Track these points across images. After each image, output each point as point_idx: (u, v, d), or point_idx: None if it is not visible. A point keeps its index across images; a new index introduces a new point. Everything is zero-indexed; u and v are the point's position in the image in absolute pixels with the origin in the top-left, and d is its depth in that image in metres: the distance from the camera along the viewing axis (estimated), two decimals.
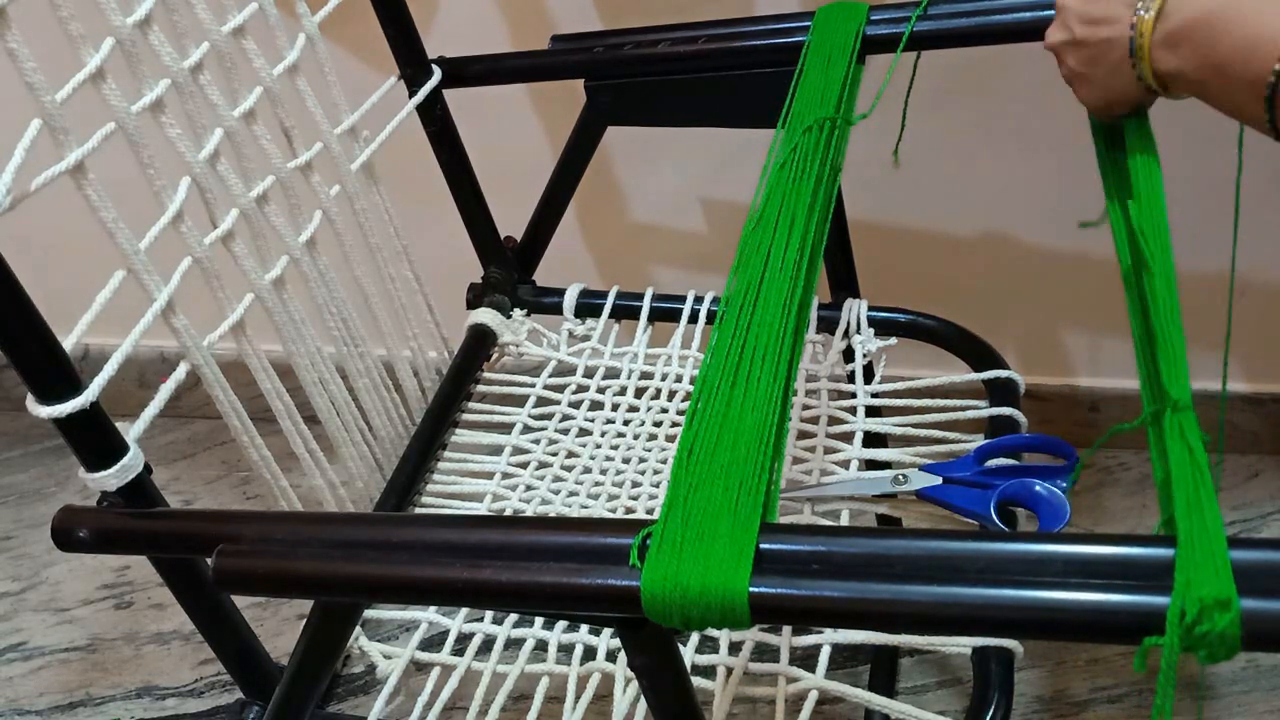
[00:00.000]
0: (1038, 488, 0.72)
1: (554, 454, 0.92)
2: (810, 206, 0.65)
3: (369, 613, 0.83)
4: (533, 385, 0.97)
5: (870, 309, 0.94)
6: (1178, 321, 0.53)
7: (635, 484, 0.89)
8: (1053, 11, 0.79)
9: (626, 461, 0.91)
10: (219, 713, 1.22)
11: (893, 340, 0.93)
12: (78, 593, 1.35)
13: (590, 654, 0.77)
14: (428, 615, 0.83)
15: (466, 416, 0.96)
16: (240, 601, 0.76)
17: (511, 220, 1.01)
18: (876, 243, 1.11)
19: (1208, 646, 0.42)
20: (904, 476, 0.76)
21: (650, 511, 0.86)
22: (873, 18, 0.82)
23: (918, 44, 0.81)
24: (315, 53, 0.81)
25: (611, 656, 0.77)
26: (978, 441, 0.81)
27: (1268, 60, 0.53)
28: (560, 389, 0.97)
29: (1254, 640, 0.42)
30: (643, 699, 0.72)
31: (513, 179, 1.02)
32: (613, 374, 0.98)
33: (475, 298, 1.02)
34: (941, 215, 1.21)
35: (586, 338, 1.00)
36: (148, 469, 0.65)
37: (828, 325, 0.95)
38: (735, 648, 0.76)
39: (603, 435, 0.93)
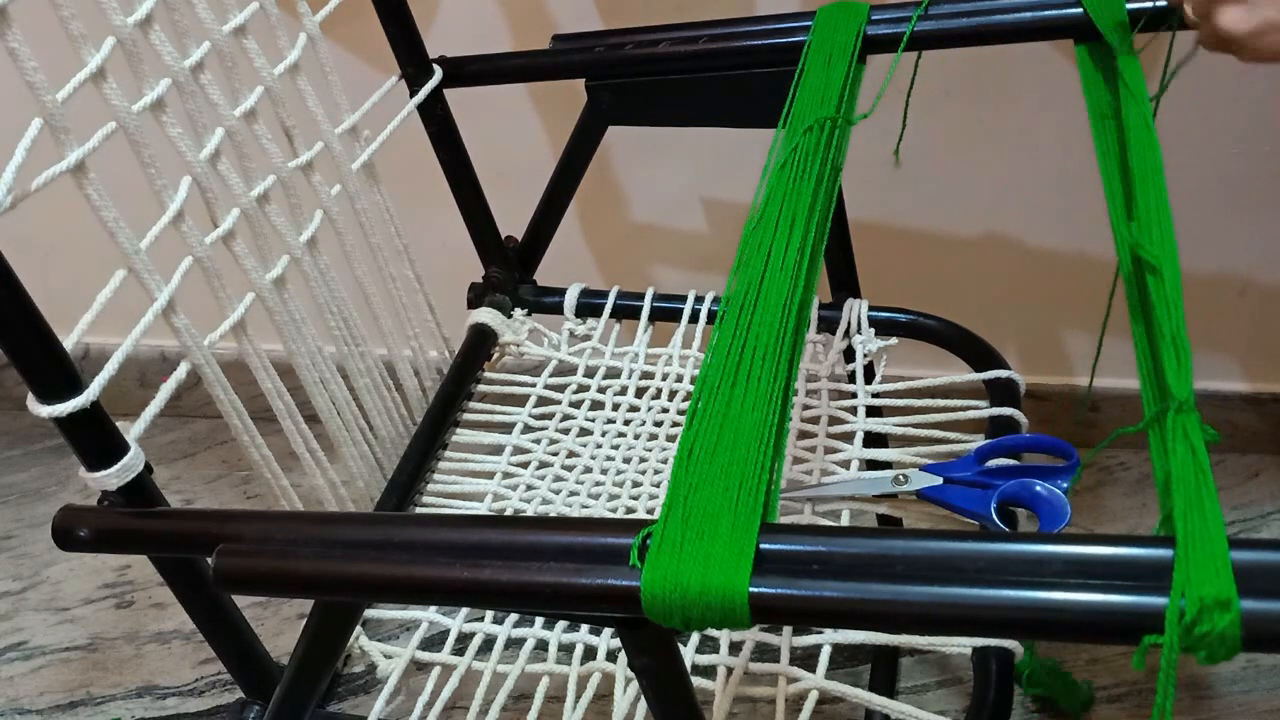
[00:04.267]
0: (1038, 488, 0.71)
1: (555, 454, 0.92)
2: (811, 206, 0.65)
3: (369, 612, 0.83)
4: (533, 385, 0.97)
5: (871, 309, 0.94)
6: (1183, 323, 0.53)
7: (635, 484, 0.89)
8: (1052, 12, 0.79)
9: (627, 461, 0.91)
10: (219, 712, 1.22)
11: (893, 340, 0.93)
12: (78, 592, 1.35)
13: (590, 654, 0.77)
14: (428, 615, 0.83)
15: (467, 416, 0.96)
16: (240, 601, 0.76)
17: (512, 220, 1.01)
18: (877, 243, 1.11)
19: (1208, 647, 0.42)
20: (904, 476, 0.76)
21: (650, 511, 0.86)
22: (873, 17, 0.82)
23: (918, 44, 0.81)
24: (316, 52, 0.81)
25: (611, 656, 0.77)
26: (978, 441, 0.81)
27: None
28: (561, 389, 0.97)
29: (1254, 641, 0.42)
30: (643, 699, 0.72)
31: (513, 179, 1.02)
32: (613, 374, 0.98)
33: (476, 297, 1.02)
34: (942, 215, 1.21)
35: (587, 337, 1.00)
36: (148, 468, 0.65)
37: (828, 325, 0.95)
38: (735, 648, 0.76)
39: (603, 435, 0.93)
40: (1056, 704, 1.12)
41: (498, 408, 0.96)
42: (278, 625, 1.28)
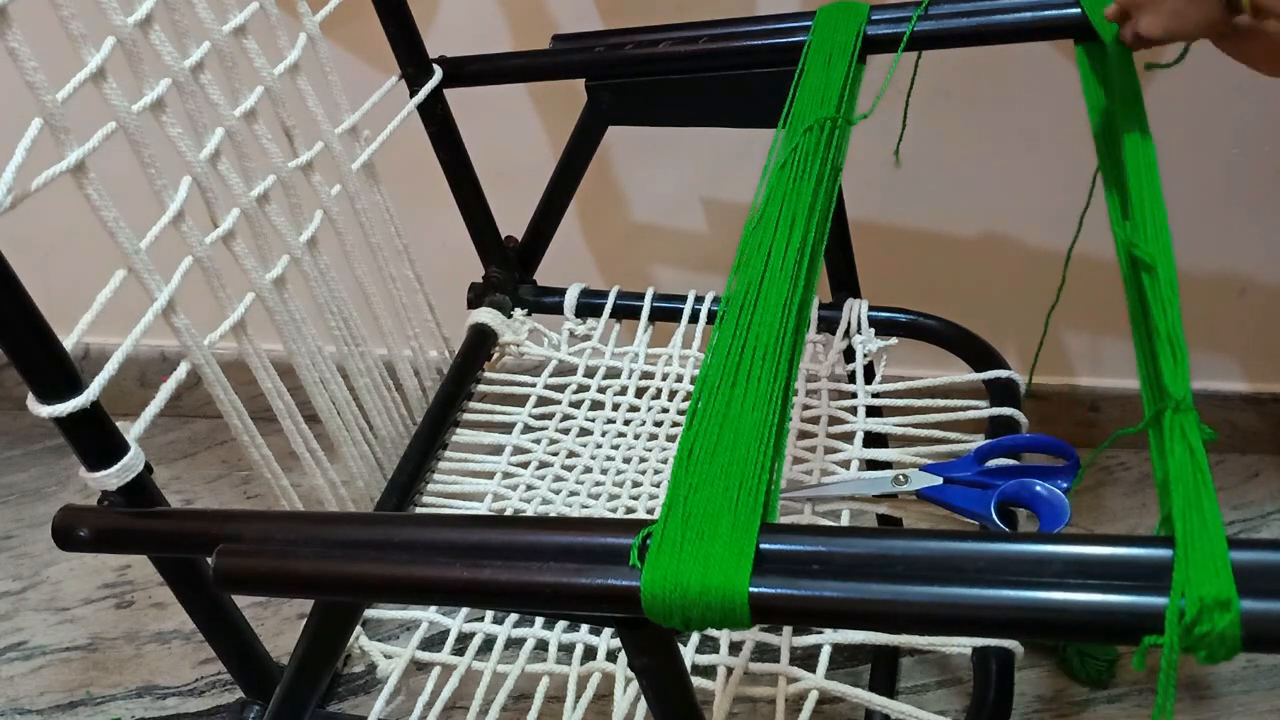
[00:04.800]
0: (1038, 488, 0.72)
1: (555, 454, 0.92)
2: (811, 206, 0.65)
3: (369, 612, 0.83)
4: (533, 385, 0.97)
5: (871, 309, 0.94)
6: (1178, 321, 0.53)
7: (635, 484, 0.89)
8: (1052, 12, 0.79)
9: (627, 461, 0.91)
10: (219, 712, 1.22)
11: (893, 340, 0.93)
12: (78, 592, 1.35)
13: (590, 654, 0.77)
14: (428, 615, 0.83)
15: (467, 416, 0.96)
16: (240, 601, 0.76)
17: (512, 220, 1.02)
18: (877, 243, 1.11)
19: (1208, 647, 0.42)
20: (904, 476, 0.76)
21: (650, 511, 0.86)
22: (873, 17, 0.82)
23: (918, 44, 0.81)
24: (316, 52, 0.81)
25: (611, 656, 0.77)
26: (978, 441, 0.81)
27: None
28: (561, 389, 0.97)
29: (1254, 641, 0.42)
30: (643, 699, 0.72)
31: (513, 179, 1.02)
32: (613, 374, 0.98)
33: (476, 297, 1.02)
34: (942, 215, 1.21)
35: (587, 337, 1.00)
36: (148, 468, 0.65)
37: (828, 325, 0.95)
38: (735, 648, 0.76)
39: (603, 435, 0.93)
40: (1078, 666, 1.13)
41: (498, 408, 0.96)
42: (278, 625, 1.28)
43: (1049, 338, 1.29)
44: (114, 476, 0.63)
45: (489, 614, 0.82)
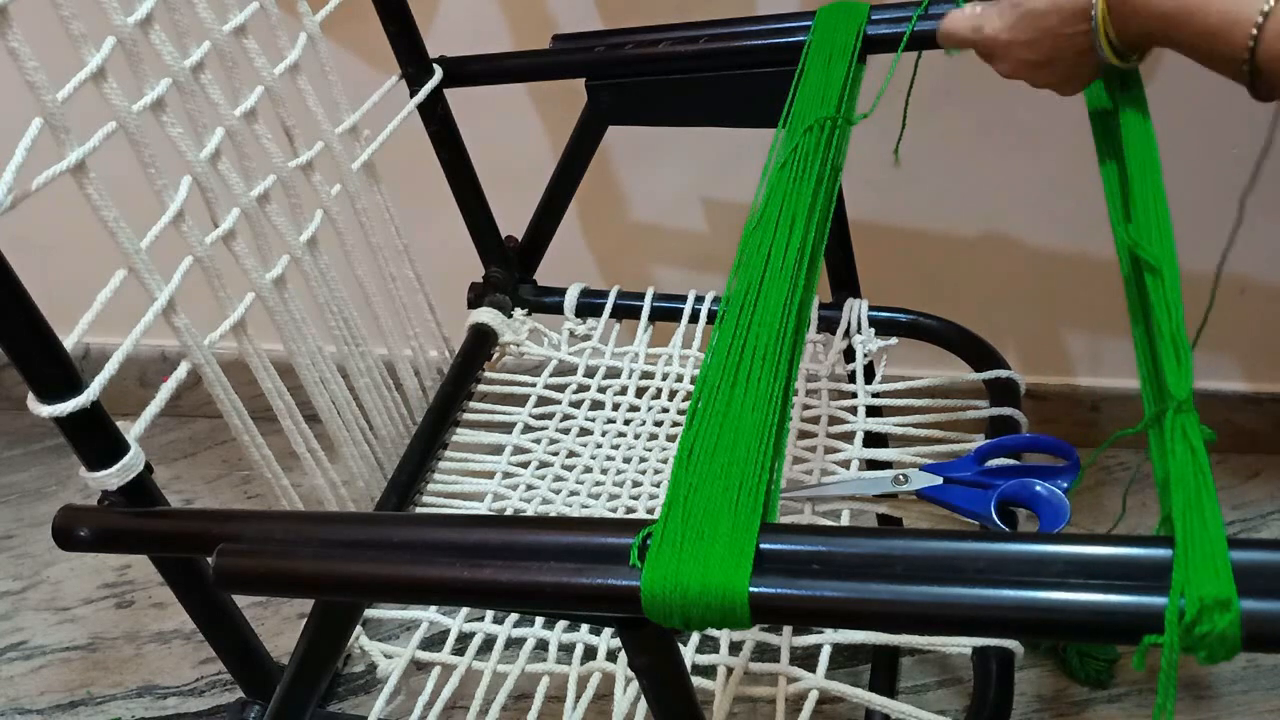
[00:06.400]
0: (1038, 488, 0.72)
1: (555, 453, 0.92)
2: (811, 206, 0.65)
3: (369, 612, 0.83)
4: (534, 385, 0.97)
5: (871, 309, 0.94)
6: (1182, 323, 0.53)
7: (635, 484, 0.89)
8: None
9: (627, 461, 0.91)
10: (220, 712, 1.22)
11: (893, 340, 0.93)
12: (79, 592, 1.35)
13: (590, 654, 0.77)
14: (428, 615, 0.83)
15: (467, 416, 0.96)
16: (241, 600, 0.76)
17: (512, 220, 1.02)
18: (877, 243, 1.11)
19: (1208, 647, 0.42)
20: (904, 476, 0.76)
21: (651, 511, 0.86)
22: (874, 17, 0.82)
23: (919, 44, 0.81)
24: (316, 52, 0.81)
25: (612, 656, 0.77)
26: (978, 441, 0.81)
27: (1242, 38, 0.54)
28: (561, 388, 0.97)
29: (1254, 641, 0.42)
30: (643, 699, 0.72)
31: (513, 179, 1.02)
32: (613, 374, 0.98)
33: (476, 297, 1.02)
34: (942, 215, 1.21)
35: (587, 337, 1.00)
36: (148, 468, 0.65)
37: (828, 325, 0.95)
38: (735, 648, 0.76)
39: (603, 435, 0.93)
40: (1078, 666, 1.14)
41: (498, 408, 0.96)
42: (278, 625, 1.28)
43: (1049, 338, 1.29)
44: (114, 476, 0.63)
45: (489, 614, 0.82)
